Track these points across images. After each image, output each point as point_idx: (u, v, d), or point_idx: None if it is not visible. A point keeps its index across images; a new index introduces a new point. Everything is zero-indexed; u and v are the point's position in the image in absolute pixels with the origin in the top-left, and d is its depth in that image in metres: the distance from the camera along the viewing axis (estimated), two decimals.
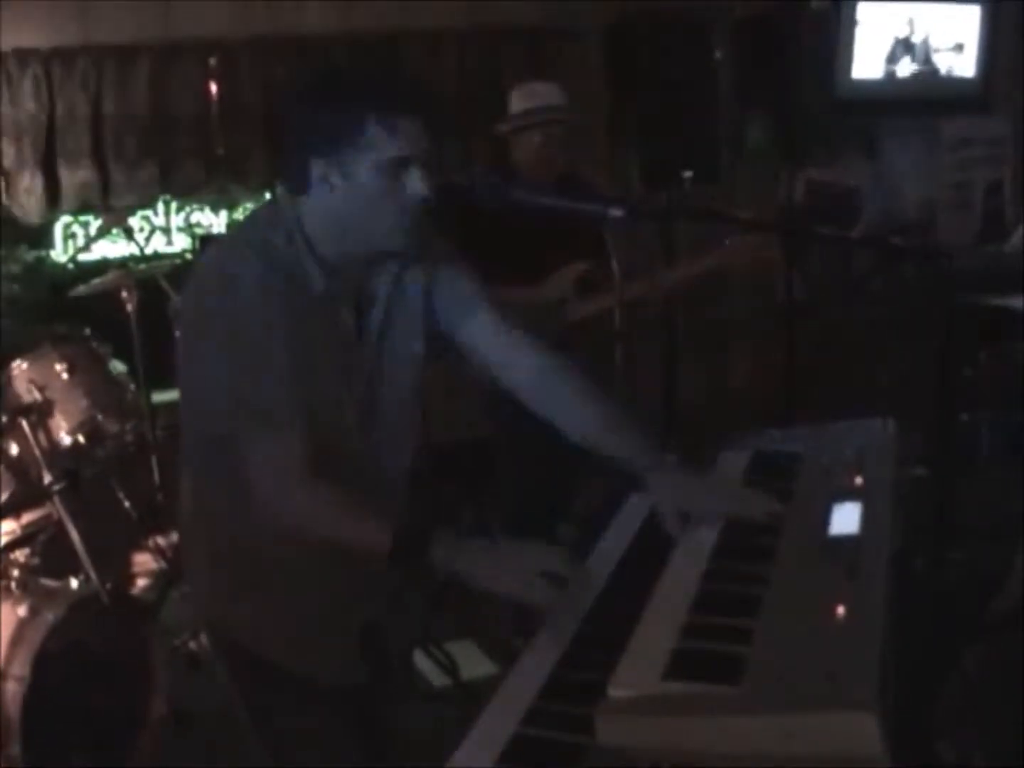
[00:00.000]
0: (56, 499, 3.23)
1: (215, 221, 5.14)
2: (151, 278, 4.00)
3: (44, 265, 4.78)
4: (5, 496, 3.29)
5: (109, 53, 4.64)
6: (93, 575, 3.16)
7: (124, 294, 3.93)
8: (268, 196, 4.90)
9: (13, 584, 3.10)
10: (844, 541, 1.68)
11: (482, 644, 3.57)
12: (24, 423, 3.24)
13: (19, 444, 3.28)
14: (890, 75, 5.78)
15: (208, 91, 4.70)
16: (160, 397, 3.96)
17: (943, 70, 5.94)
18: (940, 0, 5.84)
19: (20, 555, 3.31)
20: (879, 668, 1.33)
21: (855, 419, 2.18)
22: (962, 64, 5.96)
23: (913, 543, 2.39)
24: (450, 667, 3.48)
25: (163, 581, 3.88)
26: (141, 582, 4.24)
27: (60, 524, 3.28)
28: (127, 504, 3.90)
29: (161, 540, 4.07)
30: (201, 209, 5.10)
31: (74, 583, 3.17)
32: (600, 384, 2.05)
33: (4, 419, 3.25)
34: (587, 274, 3.34)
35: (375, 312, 1.92)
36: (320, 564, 1.86)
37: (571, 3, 5.29)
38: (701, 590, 1.65)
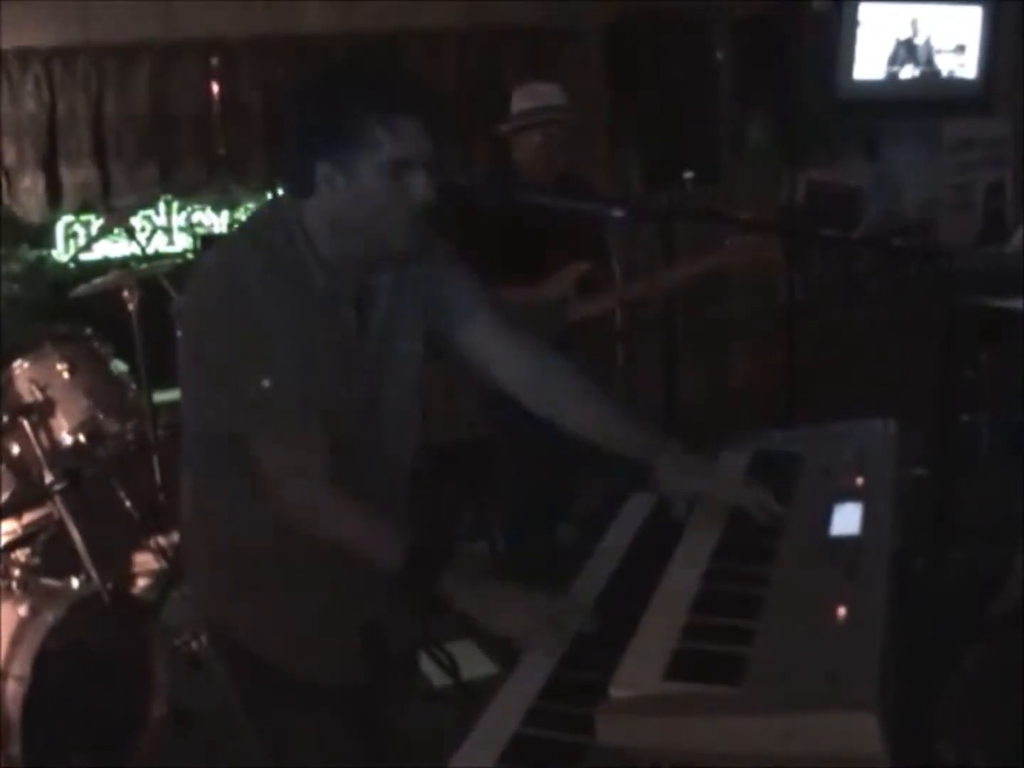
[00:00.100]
0: (57, 499, 3.23)
1: (216, 221, 5.14)
2: (152, 278, 4.00)
3: (45, 265, 4.78)
4: (6, 496, 3.30)
5: (110, 53, 4.63)
6: (94, 575, 3.16)
7: (125, 294, 3.93)
8: (269, 196, 4.95)
9: (14, 584, 3.11)
10: (845, 541, 1.68)
11: (482, 644, 3.56)
12: (25, 423, 3.24)
13: (20, 444, 3.28)
14: (892, 77, 5.78)
15: (209, 91, 4.70)
16: (161, 397, 3.96)
17: (944, 71, 5.94)
18: (941, 1, 5.83)
19: (21, 555, 3.31)
20: (879, 668, 1.33)
21: (855, 419, 2.18)
22: (963, 65, 5.96)
23: (913, 543, 2.39)
24: (450, 667, 3.48)
25: (164, 581, 3.88)
26: (142, 582, 4.25)
27: (61, 524, 3.28)
28: (128, 504, 3.90)
29: (162, 540, 4.07)
30: (202, 209, 5.10)
31: (75, 583, 3.17)
32: (601, 384, 2.05)
33: (5, 419, 3.25)
34: (588, 274, 3.34)
35: (376, 312, 1.92)
36: (320, 564, 1.87)
37: (571, 3, 5.29)
38: (702, 590, 1.65)
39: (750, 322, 5.66)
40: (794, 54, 5.44)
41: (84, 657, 3.01)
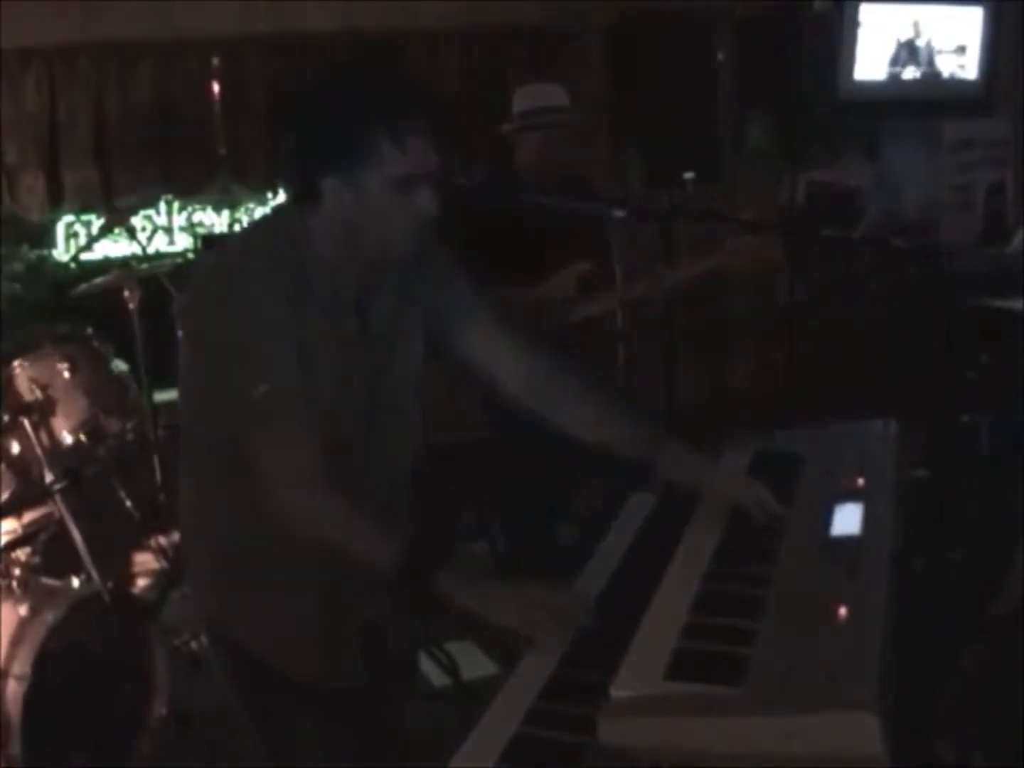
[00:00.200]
0: (57, 498, 3.23)
1: (217, 221, 5.13)
2: (153, 277, 4.00)
3: (46, 264, 4.77)
4: (6, 495, 3.29)
5: (111, 52, 4.63)
6: (94, 574, 3.16)
7: (126, 293, 3.93)
8: (270, 196, 4.96)
9: (14, 583, 3.10)
10: (845, 542, 1.68)
11: (482, 644, 3.56)
12: (26, 422, 3.24)
13: (21, 443, 3.28)
14: (893, 77, 5.77)
15: (211, 90, 4.70)
16: (162, 396, 3.96)
17: (945, 72, 5.94)
18: (942, 2, 5.83)
19: (21, 554, 3.31)
20: (879, 668, 1.33)
21: (855, 419, 2.18)
22: (964, 66, 5.96)
23: (913, 543, 2.38)
24: (450, 667, 3.48)
25: (164, 581, 3.88)
26: (142, 582, 4.25)
27: (61, 523, 3.28)
28: (128, 503, 3.89)
29: (162, 540, 4.07)
30: (203, 209, 5.10)
31: (75, 582, 3.17)
32: (601, 384, 2.06)
33: (6, 418, 3.25)
34: (588, 274, 3.34)
35: (376, 313, 1.92)
36: (320, 564, 1.87)
37: (571, 3, 5.29)
38: (702, 590, 1.65)
39: (750, 322, 5.66)
40: (795, 54, 5.44)
41: (84, 657, 3.01)
